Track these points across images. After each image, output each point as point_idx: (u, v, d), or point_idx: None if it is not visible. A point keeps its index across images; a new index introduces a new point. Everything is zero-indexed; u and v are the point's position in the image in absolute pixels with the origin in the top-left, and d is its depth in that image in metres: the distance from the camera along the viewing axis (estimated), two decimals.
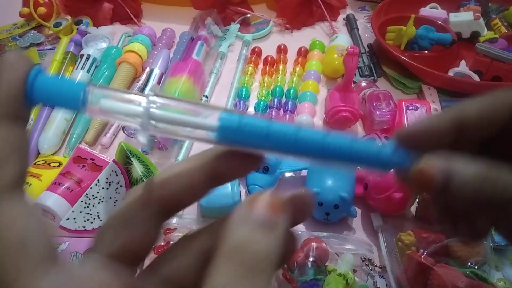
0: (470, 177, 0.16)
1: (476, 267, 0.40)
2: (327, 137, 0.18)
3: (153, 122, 0.17)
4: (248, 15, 0.78)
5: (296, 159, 0.18)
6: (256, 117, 0.18)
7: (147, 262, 0.19)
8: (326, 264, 0.42)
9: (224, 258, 0.15)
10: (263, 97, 0.64)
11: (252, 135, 0.17)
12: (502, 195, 0.16)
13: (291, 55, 0.72)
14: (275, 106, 0.61)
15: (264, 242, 0.15)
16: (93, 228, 0.48)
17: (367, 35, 0.76)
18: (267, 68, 0.69)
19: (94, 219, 0.48)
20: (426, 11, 0.75)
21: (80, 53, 0.69)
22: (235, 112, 0.17)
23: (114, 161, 0.51)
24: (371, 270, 0.44)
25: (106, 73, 0.66)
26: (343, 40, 0.70)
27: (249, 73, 0.68)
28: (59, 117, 0.60)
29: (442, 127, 0.18)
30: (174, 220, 0.48)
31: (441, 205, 0.19)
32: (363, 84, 0.63)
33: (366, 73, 0.68)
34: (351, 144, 0.18)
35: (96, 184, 0.49)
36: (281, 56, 0.71)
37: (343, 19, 0.79)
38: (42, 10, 0.78)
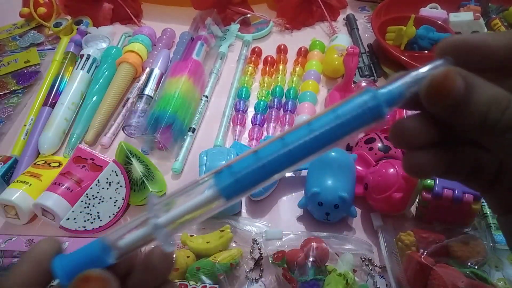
0: (489, 95, 0.17)
1: (476, 267, 0.40)
2: (311, 128, 0.18)
3: (165, 229, 0.18)
4: (248, 15, 0.78)
5: (303, 163, 0.18)
6: (241, 157, 0.18)
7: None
8: (326, 264, 0.42)
9: None
10: (263, 97, 0.64)
11: (250, 173, 0.18)
12: (510, 116, 0.16)
13: (291, 55, 0.72)
14: (275, 106, 0.61)
15: None
16: (93, 228, 0.48)
17: (367, 35, 0.76)
18: (267, 68, 0.69)
19: (94, 219, 0.48)
20: (426, 11, 0.75)
21: (80, 53, 0.69)
22: (222, 167, 0.18)
23: (114, 161, 0.51)
24: (371, 270, 0.44)
25: (106, 73, 0.66)
26: (343, 40, 0.70)
27: (249, 73, 0.68)
28: (59, 117, 0.60)
29: (499, 47, 0.18)
30: None
31: (444, 124, 0.18)
32: (363, 84, 0.63)
33: (366, 73, 0.68)
34: (335, 118, 0.18)
35: (96, 184, 0.49)
36: (281, 56, 0.71)
37: (343, 19, 0.79)
38: (42, 10, 0.78)
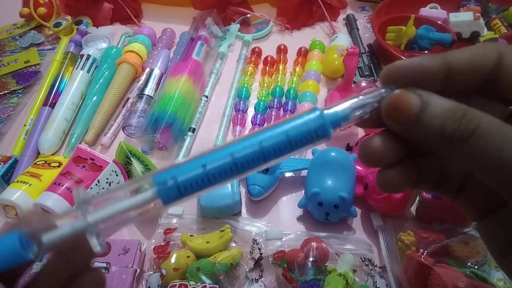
0: (444, 107, 0.17)
1: (476, 267, 0.40)
2: (260, 141, 0.18)
3: (94, 229, 0.17)
4: (248, 15, 0.78)
5: (247, 174, 0.18)
6: (186, 161, 0.18)
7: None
8: (326, 264, 0.42)
9: None
10: (263, 97, 0.64)
11: (193, 181, 0.17)
12: (466, 126, 0.17)
13: (291, 55, 0.72)
14: (275, 106, 0.61)
15: None
16: None
17: (367, 35, 0.76)
18: (267, 68, 0.69)
19: None
20: (426, 11, 0.75)
21: (80, 53, 0.69)
22: (164, 169, 0.18)
23: (114, 161, 0.51)
24: (371, 270, 0.44)
25: (106, 73, 0.66)
26: (343, 40, 0.70)
27: (249, 73, 0.68)
28: (59, 117, 0.60)
29: (433, 68, 0.18)
30: (174, 220, 0.48)
31: (407, 142, 0.19)
32: (363, 84, 0.63)
33: (366, 73, 0.68)
34: (283, 134, 0.18)
35: (96, 184, 0.49)
36: (281, 56, 0.71)
37: (343, 19, 0.79)
38: (42, 10, 0.78)
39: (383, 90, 0.19)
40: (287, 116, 0.60)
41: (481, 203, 0.21)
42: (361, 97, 0.19)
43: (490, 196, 0.20)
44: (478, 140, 0.17)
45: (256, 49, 0.72)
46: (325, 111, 0.18)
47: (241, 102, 0.63)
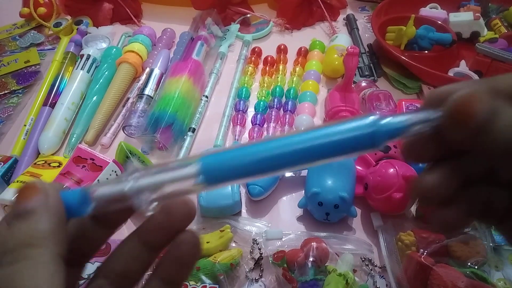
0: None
1: (476, 267, 0.40)
2: (308, 137, 0.17)
3: (141, 194, 0.17)
4: (248, 15, 0.78)
5: (290, 170, 0.18)
6: (233, 147, 0.18)
7: None
8: (326, 264, 0.42)
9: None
10: (263, 97, 0.64)
11: (237, 164, 0.17)
12: None
13: (291, 55, 0.72)
14: (275, 106, 0.61)
15: (26, 229, 0.16)
16: None
17: (367, 35, 0.76)
18: (267, 68, 0.69)
19: None
20: (426, 11, 0.75)
21: (80, 53, 0.69)
22: (211, 152, 0.18)
23: (114, 161, 0.51)
24: (371, 270, 0.44)
25: (106, 73, 0.66)
26: (343, 40, 0.70)
27: (249, 73, 0.68)
28: (59, 117, 0.60)
29: (481, 98, 0.17)
30: None
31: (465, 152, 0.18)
32: (363, 84, 0.63)
33: (366, 73, 0.68)
34: (335, 134, 0.17)
35: None
36: (281, 56, 0.71)
37: (343, 19, 0.79)
38: (42, 10, 0.78)
39: (440, 113, 0.17)
40: (287, 115, 0.60)
41: None
42: (424, 112, 0.17)
43: None
44: None
45: (256, 49, 0.72)
46: (383, 120, 0.17)
47: (241, 102, 0.63)
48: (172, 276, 0.20)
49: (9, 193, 0.49)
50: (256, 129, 0.59)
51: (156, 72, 0.65)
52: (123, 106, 0.62)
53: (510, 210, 0.19)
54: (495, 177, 0.18)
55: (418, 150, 0.19)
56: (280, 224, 0.50)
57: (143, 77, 0.65)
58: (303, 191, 0.50)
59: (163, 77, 0.65)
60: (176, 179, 0.18)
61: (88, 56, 0.67)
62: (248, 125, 0.61)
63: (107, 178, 0.50)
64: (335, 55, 0.66)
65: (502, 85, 0.17)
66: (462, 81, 0.18)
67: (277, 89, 0.64)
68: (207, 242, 0.44)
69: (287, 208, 0.52)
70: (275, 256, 0.43)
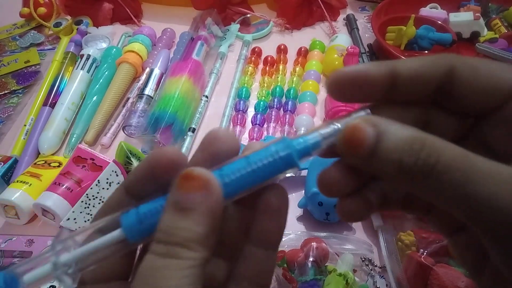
0: (401, 138, 0.16)
1: None
2: (221, 173, 0.17)
3: (70, 270, 0.17)
4: (248, 15, 0.78)
5: None
6: (151, 200, 0.18)
7: None
8: (326, 264, 0.42)
9: (154, 242, 0.16)
10: (263, 97, 0.64)
11: (155, 218, 0.17)
12: (425, 160, 0.15)
13: (291, 55, 0.72)
14: (275, 106, 0.61)
15: (184, 227, 0.16)
16: None
17: (367, 35, 0.76)
18: (267, 68, 0.69)
19: None
20: (426, 11, 0.75)
21: (80, 53, 0.69)
22: (130, 208, 0.18)
23: (114, 161, 0.51)
24: (371, 270, 0.44)
25: (106, 73, 0.66)
26: (343, 40, 0.70)
27: (249, 73, 0.68)
28: (59, 117, 0.60)
29: (378, 75, 0.17)
30: None
31: (367, 176, 0.19)
32: None
33: None
34: (247, 165, 0.17)
35: (97, 185, 0.49)
36: (281, 56, 0.71)
37: (343, 19, 0.79)
38: (42, 10, 0.78)
39: (360, 113, 0.18)
40: (287, 115, 0.60)
41: (449, 222, 0.20)
42: (334, 123, 0.18)
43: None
44: (439, 176, 0.15)
45: (256, 49, 0.72)
46: (294, 140, 0.18)
47: (241, 102, 0.63)
48: (264, 234, 0.19)
49: (9, 193, 0.49)
50: (256, 129, 0.59)
51: (156, 72, 0.65)
52: (123, 106, 0.62)
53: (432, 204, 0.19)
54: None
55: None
56: None
57: (143, 77, 0.65)
58: (303, 191, 0.50)
59: (163, 77, 0.65)
60: (101, 246, 0.17)
61: (88, 56, 0.67)
62: (248, 125, 0.61)
63: (107, 179, 0.50)
64: (335, 55, 0.66)
65: (402, 68, 0.17)
66: (360, 64, 0.19)
67: (277, 89, 0.64)
68: None
69: None
70: None
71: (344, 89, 0.18)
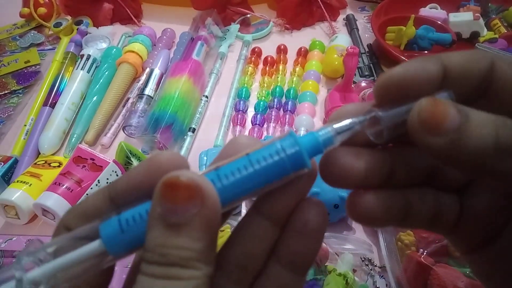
0: (489, 120, 0.14)
1: None
2: (218, 173, 0.15)
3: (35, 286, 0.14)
4: (248, 15, 0.78)
5: None
6: (133, 207, 0.15)
7: None
8: (326, 264, 0.42)
9: (145, 262, 0.14)
10: (263, 97, 0.64)
11: (140, 227, 0.15)
12: None
13: (291, 55, 0.72)
14: (275, 106, 0.61)
15: (178, 246, 0.14)
16: None
17: (367, 35, 0.76)
18: (267, 68, 0.69)
19: None
20: (426, 11, 0.75)
21: (80, 53, 0.69)
22: (111, 216, 0.15)
23: (114, 161, 0.51)
24: (371, 270, 0.44)
25: (106, 73, 0.66)
26: (343, 40, 0.70)
27: (249, 73, 0.68)
28: (59, 117, 0.60)
29: (431, 71, 0.16)
30: None
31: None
32: (363, 84, 0.63)
33: (366, 73, 0.68)
34: (249, 165, 0.15)
35: (97, 185, 0.49)
36: (281, 56, 0.71)
37: (343, 19, 0.79)
38: (42, 10, 0.78)
39: (373, 113, 0.16)
40: (287, 115, 0.60)
41: (477, 236, 0.18)
42: (351, 119, 0.16)
43: (487, 227, 0.18)
44: None
45: (256, 49, 0.72)
46: (302, 137, 0.16)
47: (241, 102, 0.63)
48: (296, 256, 0.17)
49: (9, 193, 0.49)
50: (256, 129, 0.59)
51: (156, 72, 0.65)
52: (123, 106, 0.62)
53: (460, 220, 0.18)
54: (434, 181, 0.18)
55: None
56: None
57: (143, 77, 0.65)
58: None
59: (163, 77, 0.65)
60: (77, 260, 0.15)
61: (88, 56, 0.67)
62: (248, 125, 0.61)
63: (107, 179, 0.50)
64: (335, 55, 0.66)
65: (450, 64, 0.16)
66: (411, 61, 0.17)
67: (277, 89, 0.64)
68: None
69: None
70: None
71: (392, 94, 0.16)
